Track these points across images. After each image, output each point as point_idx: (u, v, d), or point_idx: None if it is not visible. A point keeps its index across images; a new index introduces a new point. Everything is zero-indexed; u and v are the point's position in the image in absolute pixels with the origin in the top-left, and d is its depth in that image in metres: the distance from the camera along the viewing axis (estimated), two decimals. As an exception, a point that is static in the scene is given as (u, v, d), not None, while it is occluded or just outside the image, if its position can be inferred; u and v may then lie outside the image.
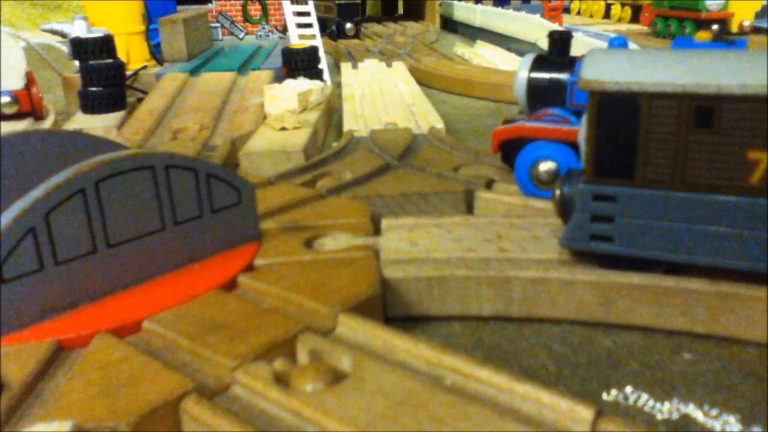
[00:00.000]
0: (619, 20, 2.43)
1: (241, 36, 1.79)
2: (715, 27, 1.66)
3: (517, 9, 2.05)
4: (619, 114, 0.37)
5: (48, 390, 0.30)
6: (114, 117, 0.86)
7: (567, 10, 2.72)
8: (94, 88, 0.88)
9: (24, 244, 0.33)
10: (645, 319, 0.38)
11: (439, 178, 0.58)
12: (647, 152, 0.37)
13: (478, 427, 0.26)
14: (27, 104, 0.84)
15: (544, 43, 0.70)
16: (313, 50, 1.01)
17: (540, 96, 0.55)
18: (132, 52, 1.14)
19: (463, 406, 0.28)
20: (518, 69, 0.56)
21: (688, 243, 0.37)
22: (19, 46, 0.86)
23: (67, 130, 0.56)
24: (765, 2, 1.96)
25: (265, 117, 0.81)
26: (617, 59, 0.37)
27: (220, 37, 1.79)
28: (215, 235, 0.42)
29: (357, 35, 1.75)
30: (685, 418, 0.31)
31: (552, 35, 0.56)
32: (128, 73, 1.03)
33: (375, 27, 2.01)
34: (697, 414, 0.32)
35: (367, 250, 0.43)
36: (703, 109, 0.35)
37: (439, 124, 0.78)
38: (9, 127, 0.77)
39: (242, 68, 1.23)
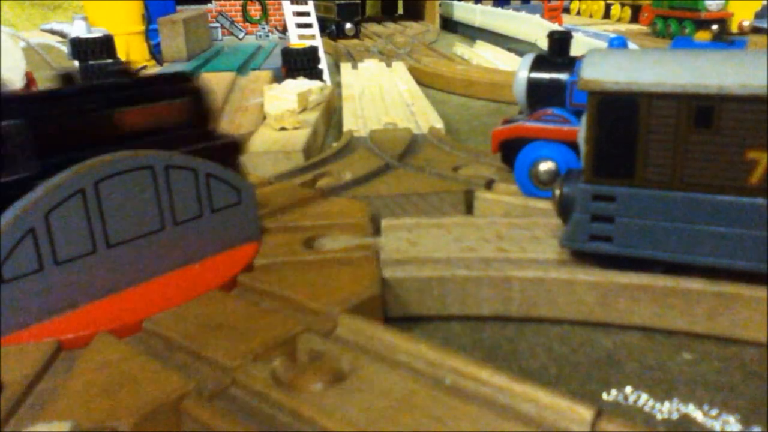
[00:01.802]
0: (619, 20, 2.43)
1: (240, 36, 1.79)
2: (714, 27, 1.66)
3: (517, 9, 2.05)
4: (619, 114, 0.37)
5: (48, 390, 0.30)
6: (114, 117, 0.86)
7: (567, 10, 2.72)
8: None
9: (24, 244, 0.33)
10: (645, 319, 0.38)
11: (439, 178, 0.58)
12: (647, 152, 0.37)
13: (478, 427, 0.26)
14: (27, 104, 0.83)
15: (544, 43, 0.70)
16: (313, 50, 1.01)
17: (540, 96, 0.55)
18: (132, 52, 1.14)
19: (463, 406, 0.28)
20: (518, 69, 0.56)
21: (688, 243, 0.37)
22: (19, 46, 0.86)
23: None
24: (765, 2, 1.96)
25: (265, 117, 0.81)
26: (617, 59, 0.37)
27: (220, 37, 1.79)
28: (215, 235, 0.42)
29: (357, 35, 1.75)
30: (685, 418, 0.31)
31: (552, 35, 0.56)
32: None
33: (375, 27, 2.01)
34: (697, 414, 0.32)
35: (367, 250, 0.43)
36: (703, 109, 0.35)
37: (439, 124, 0.78)
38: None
39: (242, 68, 1.23)
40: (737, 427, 0.31)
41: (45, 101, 0.38)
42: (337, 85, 1.10)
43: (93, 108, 0.39)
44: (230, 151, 0.45)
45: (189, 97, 0.44)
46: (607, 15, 2.53)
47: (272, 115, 0.77)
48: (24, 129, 0.36)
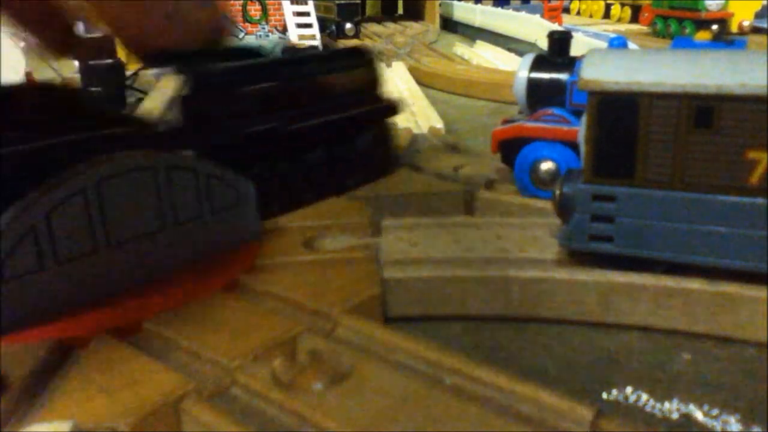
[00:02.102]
0: (619, 20, 2.44)
1: (240, 36, 1.79)
2: (714, 27, 1.67)
3: (517, 9, 2.05)
4: (619, 114, 0.37)
5: (48, 390, 0.30)
6: (114, 117, 0.86)
7: (567, 10, 2.72)
8: (94, 88, 0.88)
9: (24, 243, 0.33)
10: (645, 319, 0.38)
11: (439, 178, 0.58)
12: (647, 152, 0.37)
13: (478, 427, 0.26)
14: (27, 104, 0.83)
15: (544, 43, 0.70)
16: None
17: (540, 96, 0.55)
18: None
19: (463, 406, 0.28)
20: (518, 69, 0.56)
21: (688, 243, 0.37)
22: (18, 46, 0.86)
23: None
24: (765, 2, 1.96)
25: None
26: (617, 59, 0.37)
27: (220, 37, 1.78)
28: (215, 235, 0.42)
29: (357, 35, 1.75)
30: (685, 418, 0.31)
31: (552, 35, 0.56)
32: (128, 73, 1.03)
33: (375, 27, 2.01)
34: (697, 414, 0.32)
35: (367, 250, 0.43)
36: (703, 109, 0.35)
37: (439, 124, 0.78)
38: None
39: (242, 68, 1.22)
40: (737, 427, 0.31)
41: (292, 65, 0.50)
42: (337, 85, 1.10)
43: (313, 73, 0.51)
44: (392, 111, 0.58)
45: (367, 68, 0.55)
46: (607, 15, 2.53)
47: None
48: (278, 89, 0.48)
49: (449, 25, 2.18)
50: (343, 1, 1.75)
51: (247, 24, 1.78)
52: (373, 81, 0.56)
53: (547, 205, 0.50)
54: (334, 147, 0.54)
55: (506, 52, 1.49)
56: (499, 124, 0.56)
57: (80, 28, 1.10)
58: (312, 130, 0.51)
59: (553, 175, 0.51)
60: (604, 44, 0.95)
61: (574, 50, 0.56)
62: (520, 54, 1.12)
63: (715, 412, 0.32)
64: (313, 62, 0.53)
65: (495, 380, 0.29)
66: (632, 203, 0.38)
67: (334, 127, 0.52)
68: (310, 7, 1.24)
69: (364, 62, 0.55)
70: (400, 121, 0.79)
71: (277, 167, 0.50)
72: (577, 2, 2.76)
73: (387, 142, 0.60)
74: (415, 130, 0.75)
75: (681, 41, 0.49)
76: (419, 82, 1.09)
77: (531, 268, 0.40)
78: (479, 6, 2.06)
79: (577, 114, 0.51)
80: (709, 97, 0.35)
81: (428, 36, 1.86)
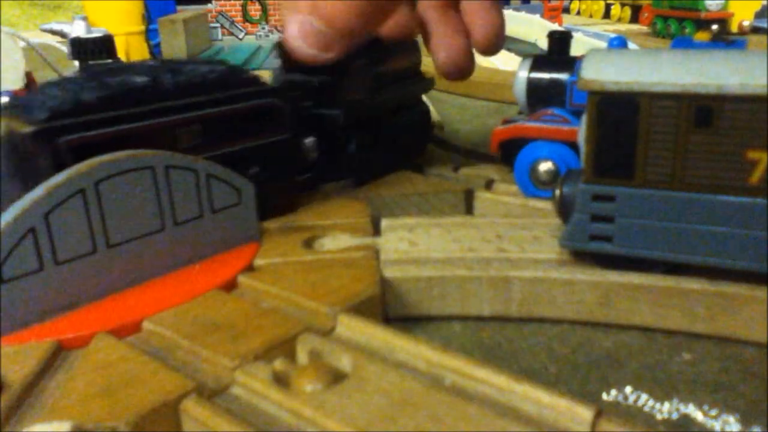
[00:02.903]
0: (619, 20, 2.43)
1: (241, 36, 1.79)
2: (714, 27, 1.66)
3: (517, 9, 2.05)
4: (619, 114, 0.37)
5: (48, 390, 0.30)
6: (114, 117, 0.86)
7: (567, 10, 2.72)
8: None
9: (24, 244, 0.33)
10: (645, 319, 0.38)
11: (439, 178, 0.58)
12: (647, 152, 0.37)
13: (478, 427, 0.26)
14: (27, 104, 0.83)
15: (544, 43, 0.70)
16: (313, 50, 1.01)
17: (540, 96, 0.55)
18: (132, 52, 1.14)
19: (463, 406, 0.28)
20: (518, 69, 0.56)
21: (688, 243, 0.37)
22: (19, 46, 0.86)
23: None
24: (765, 2, 1.96)
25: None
26: (617, 59, 0.37)
27: (220, 37, 1.79)
28: (215, 235, 0.42)
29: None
30: (685, 418, 0.31)
31: (552, 35, 0.56)
32: None
33: (375, 27, 2.00)
34: (697, 414, 0.32)
35: (367, 250, 0.43)
36: (703, 109, 0.35)
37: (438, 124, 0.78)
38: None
39: (242, 68, 1.22)
40: (737, 427, 0.31)
41: (374, 49, 0.54)
42: (337, 85, 1.09)
43: (387, 56, 0.58)
44: (432, 84, 0.66)
45: (414, 49, 0.63)
46: (607, 15, 2.53)
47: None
48: (369, 66, 0.55)
49: (449, 25, 2.17)
50: (343, 1, 1.75)
51: (247, 24, 1.78)
52: (418, 61, 0.65)
53: (547, 205, 0.50)
54: (397, 117, 0.60)
55: (506, 52, 1.49)
56: (499, 124, 0.56)
57: (81, 28, 1.09)
58: (386, 101, 0.59)
59: (553, 175, 0.51)
60: (604, 44, 0.95)
61: (574, 50, 0.56)
62: (520, 54, 1.12)
63: (714, 412, 0.32)
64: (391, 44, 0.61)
65: (495, 380, 0.29)
66: (632, 203, 0.38)
67: (401, 99, 0.61)
68: (310, 7, 1.24)
69: (412, 45, 0.64)
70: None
71: (364, 137, 0.56)
72: (577, 2, 2.76)
73: (428, 115, 0.66)
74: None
75: (681, 41, 0.49)
76: (419, 82, 1.09)
77: (531, 268, 0.40)
78: (479, 6, 2.06)
79: (577, 114, 0.51)
80: (709, 97, 0.35)
81: (428, 36, 1.86)
